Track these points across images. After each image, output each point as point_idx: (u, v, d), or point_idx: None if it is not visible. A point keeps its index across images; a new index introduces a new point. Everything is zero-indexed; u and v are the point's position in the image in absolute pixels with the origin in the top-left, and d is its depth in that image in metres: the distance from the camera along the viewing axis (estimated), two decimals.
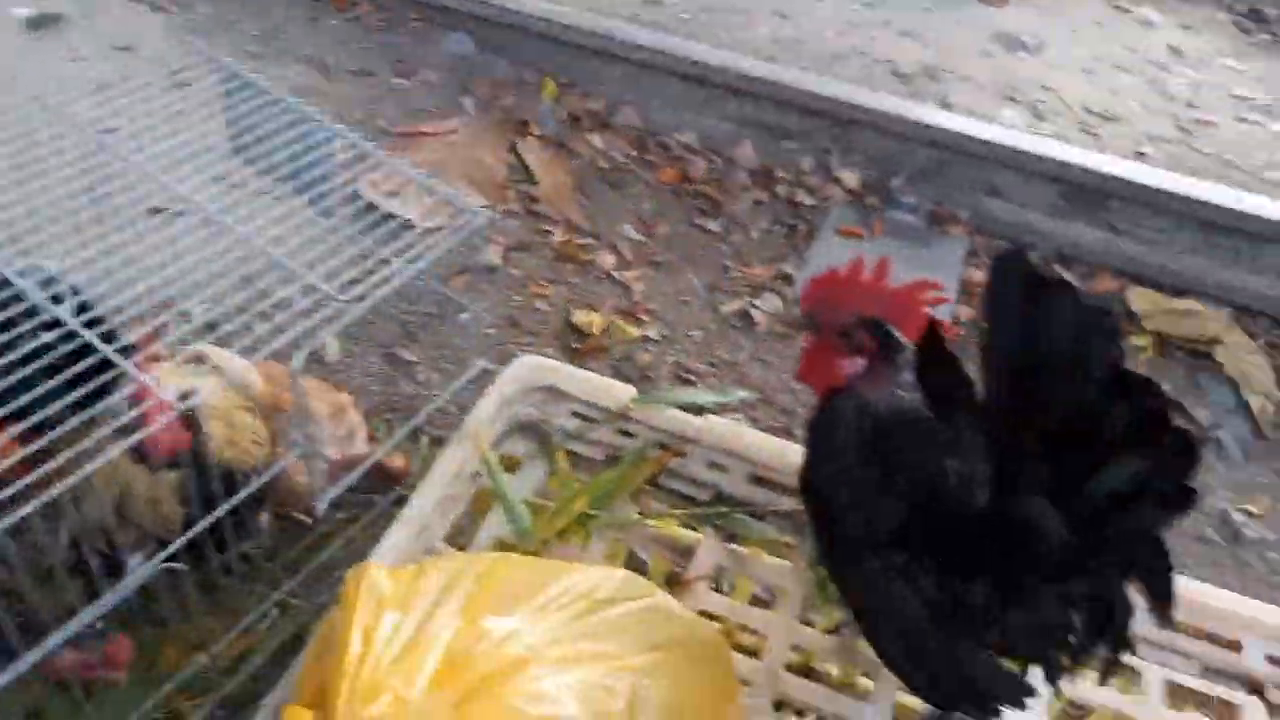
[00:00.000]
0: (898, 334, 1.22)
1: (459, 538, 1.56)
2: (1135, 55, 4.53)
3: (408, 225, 2.07)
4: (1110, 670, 1.19)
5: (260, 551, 2.01)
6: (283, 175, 1.80)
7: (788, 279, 3.17)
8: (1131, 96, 4.21)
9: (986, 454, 1.09)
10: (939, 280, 1.14)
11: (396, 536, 1.38)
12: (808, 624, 1.48)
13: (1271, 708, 1.45)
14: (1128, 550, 1.07)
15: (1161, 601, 1.13)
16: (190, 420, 1.51)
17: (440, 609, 1.14)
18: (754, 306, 3.08)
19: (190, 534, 1.50)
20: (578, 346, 2.89)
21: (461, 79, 3.69)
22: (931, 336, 1.07)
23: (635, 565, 1.84)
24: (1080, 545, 1.03)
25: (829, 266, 1.30)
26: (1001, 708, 1.20)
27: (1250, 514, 2.75)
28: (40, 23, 3.75)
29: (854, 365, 1.23)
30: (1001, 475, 1.06)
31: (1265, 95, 4.36)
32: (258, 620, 1.90)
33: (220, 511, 1.50)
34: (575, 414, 1.67)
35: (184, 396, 1.43)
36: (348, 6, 4.00)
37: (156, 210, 1.87)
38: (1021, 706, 1.20)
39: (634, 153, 3.53)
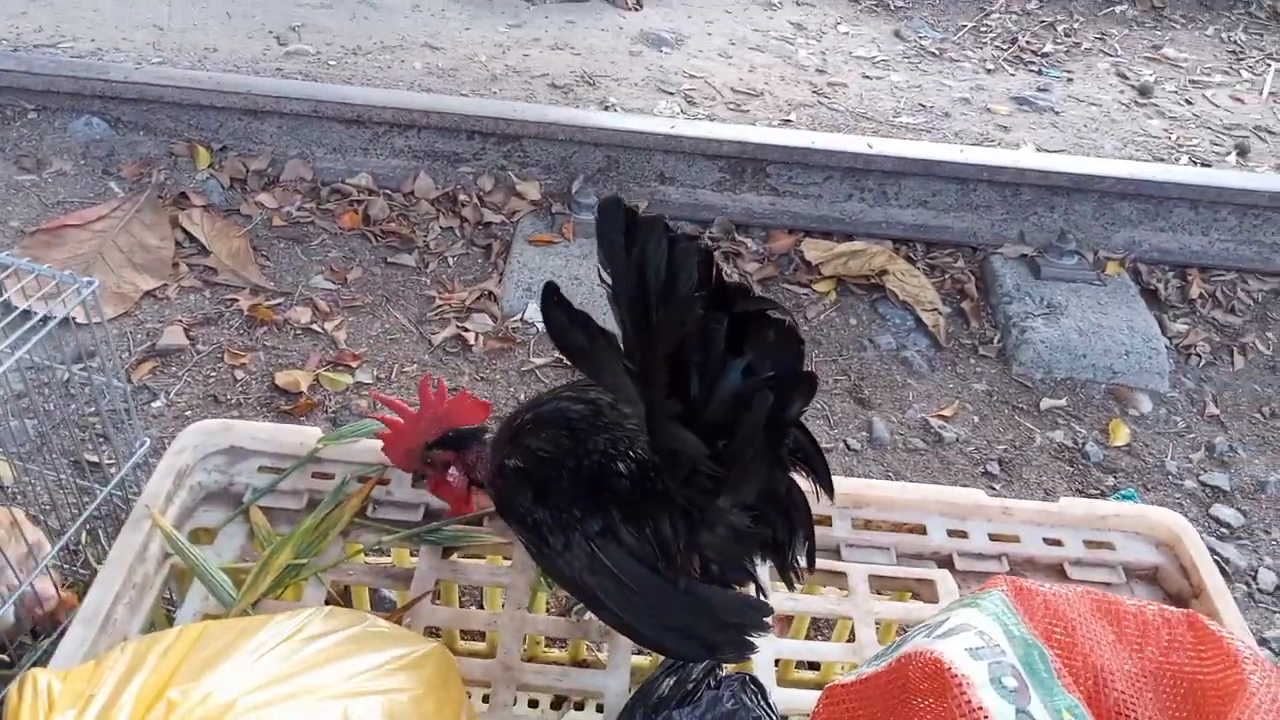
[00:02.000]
0: (461, 429, 1.39)
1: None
2: (765, 35, 4.93)
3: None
4: (812, 561, 1.25)
5: None
6: None
7: (493, 297, 3.19)
8: (769, 72, 4.58)
9: (637, 395, 1.13)
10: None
11: (74, 636, 1.27)
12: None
13: (959, 574, 1.60)
14: (776, 441, 1.10)
15: (823, 480, 1.20)
16: None
17: (124, 693, 1.07)
18: (465, 330, 3.08)
19: None
20: (288, 408, 2.78)
21: (101, 163, 3.46)
22: (549, 298, 1.10)
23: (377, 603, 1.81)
24: (725, 451, 1.06)
25: (376, 434, 1.51)
26: (750, 636, 1.21)
27: (945, 418, 3.05)
28: None
29: (454, 476, 1.41)
30: (648, 411, 1.10)
31: (880, 53, 4.86)
32: None
33: None
34: (264, 468, 1.61)
35: None
36: None
37: None
38: (765, 628, 1.22)
39: (309, 205, 3.45)
